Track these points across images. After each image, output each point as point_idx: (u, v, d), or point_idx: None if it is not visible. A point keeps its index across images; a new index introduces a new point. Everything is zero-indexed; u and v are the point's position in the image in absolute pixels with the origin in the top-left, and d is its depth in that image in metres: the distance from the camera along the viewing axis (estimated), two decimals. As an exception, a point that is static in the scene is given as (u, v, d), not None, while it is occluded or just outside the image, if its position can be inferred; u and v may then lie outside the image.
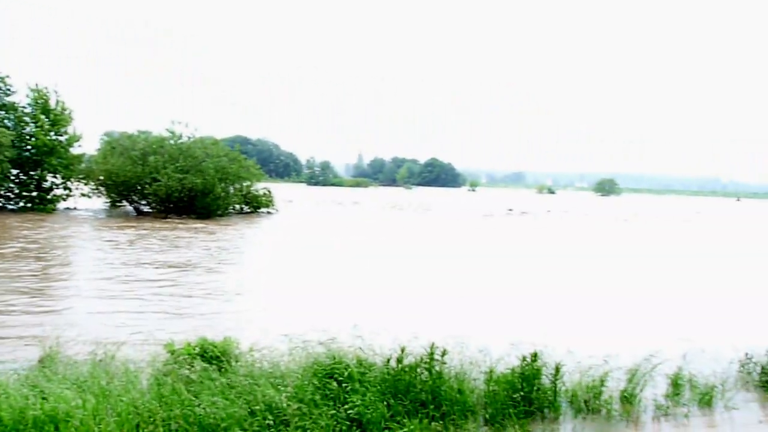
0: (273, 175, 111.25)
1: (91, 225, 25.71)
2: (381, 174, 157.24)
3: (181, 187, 29.91)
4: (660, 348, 7.61)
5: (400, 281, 14.44)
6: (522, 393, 6.05)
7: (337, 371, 5.77)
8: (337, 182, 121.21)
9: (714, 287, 15.80)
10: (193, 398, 5.17)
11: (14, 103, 31.13)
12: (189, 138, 33.56)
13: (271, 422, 4.99)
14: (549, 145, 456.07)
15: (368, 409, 5.37)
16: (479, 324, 9.97)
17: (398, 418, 5.40)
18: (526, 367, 6.21)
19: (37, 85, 31.14)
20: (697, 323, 11.01)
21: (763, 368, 7.54)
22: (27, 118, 30.75)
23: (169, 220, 27.86)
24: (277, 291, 13.15)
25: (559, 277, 16.26)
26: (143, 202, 31.71)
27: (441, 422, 5.49)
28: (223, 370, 5.96)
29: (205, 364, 6.01)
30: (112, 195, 31.86)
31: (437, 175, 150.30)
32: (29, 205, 30.01)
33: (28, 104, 31.10)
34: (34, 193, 30.55)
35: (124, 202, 32.29)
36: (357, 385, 5.60)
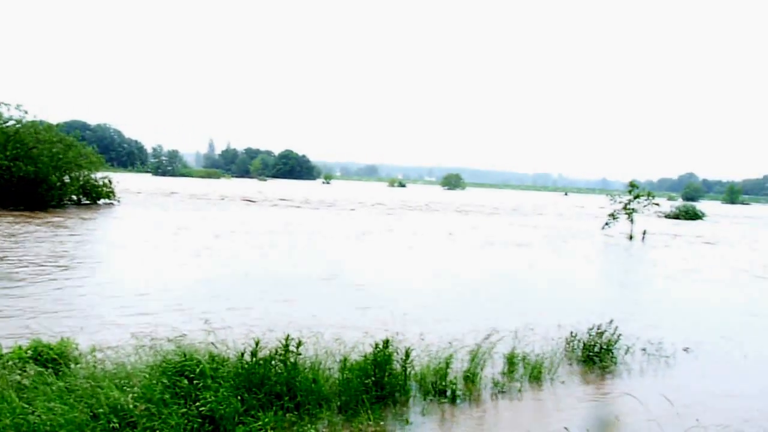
0: (115, 164, 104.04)
1: None
2: (234, 165, 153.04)
3: (10, 176, 27.04)
4: (499, 329, 8.31)
5: (249, 273, 14.21)
6: (374, 379, 6.28)
7: (188, 368, 5.61)
8: (186, 173, 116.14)
9: (536, 272, 17.37)
10: (26, 405, 4.77)
11: None
12: (18, 121, 30.27)
13: (117, 425, 4.74)
14: (402, 140, 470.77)
15: (221, 405, 5.28)
16: (335, 313, 10.17)
17: (252, 412, 5.38)
18: (379, 354, 6.44)
19: None
20: (528, 305, 12.05)
21: (584, 345, 8.45)
22: None
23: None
24: (120, 288, 12.36)
25: (403, 263, 16.99)
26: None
27: (296, 413, 5.54)
28: (60, 373, 5.55)
29: (40, 368, 5.55)
30: None
31: (292, 168, 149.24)
32: None
33: None
34: None
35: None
36: (209, 381, 5.49)
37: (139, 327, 8.11)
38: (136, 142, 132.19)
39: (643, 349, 8.99)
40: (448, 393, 6.59)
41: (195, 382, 5.47)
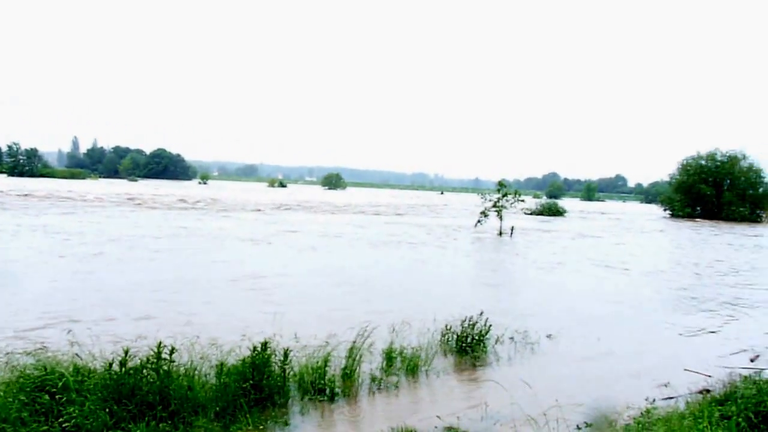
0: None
1: None
2: (101, 165, 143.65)
3: None
4: (377, 325, 8.52)
5: (115, 277, 13.47)
6: (252, 382, 6.22)
7: (50, 382, 5.25)
8: (47, 173, 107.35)
9: (413, 268, 17.96)
10: None
11: None
12: None
13: (-34, 450, 4.36)
14: (282, 139, 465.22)
15: (87, 419, 5.00)
16: (209, 318, 9.92)
17: (123, 424, 5.14)
18: (257, 356, 6.39)
19: None
20: (406, 300, 12.42)
21: (458, 336, 8.88)
22: None
23: None
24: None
25: (284, 262, 16.87)
26: None
27: (170, 422, 5.37)
28: None
29: None
30: None
31: (165, 167, 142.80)
32: None
33: None
34: None
35: None
36: (74, 395, 5.18)
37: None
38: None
39: (512, 338, 9.58)
40: (327, 391, 6.66)
41: (57, 396, 5.14)
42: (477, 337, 8.86)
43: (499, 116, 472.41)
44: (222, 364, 6.33)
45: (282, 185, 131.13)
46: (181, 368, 6.06)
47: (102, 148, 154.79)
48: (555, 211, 55.03)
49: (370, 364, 7.47)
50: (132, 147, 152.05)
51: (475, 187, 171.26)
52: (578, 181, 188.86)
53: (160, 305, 10.85)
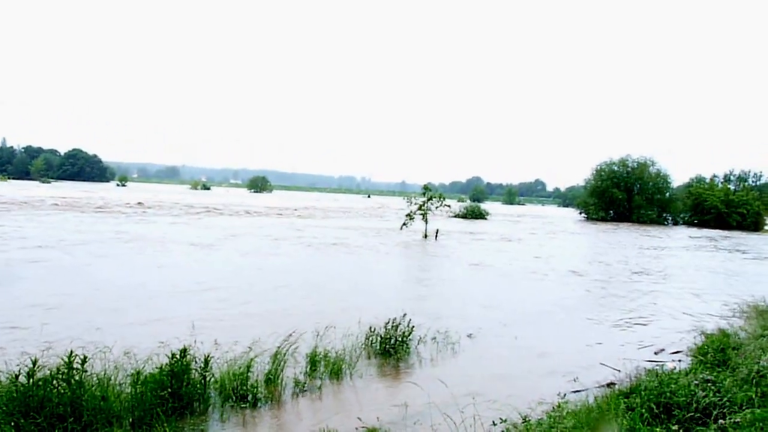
0: None
1: None
2: (10, 165, 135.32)
3: None
4: (303, 329, 8.51)
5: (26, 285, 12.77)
6: (170, 390, 6.07)
7: (-53, 398, 4.95)
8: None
9: (339, 271, 18.02)
10: None
11: None
12: None
13: None
14: (206, 141, 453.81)
15: (-10, 435, 4.75)
16: (125, 325, 9.57)
17: (30, 439, 4.91)
18: (175, 364, 6.24)
19: None
20: (332, 303, 12.41)
21: (381, 338, 8.98)
22: None
23: None
24: None
25: (209, 268, 16.51)
26: None
27: (82, 434, 5.17)
28: None
29: None
30: None
31: (81, 168, 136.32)
32: None
33: None
34: None
35: None
36: (-25, 410, 4.90)
37: None
38: None
39: (434, 339, 9.77)
40: (249, 397, 6.59)
41: (-44, 413, 4.85)
42: (400, 339, 8.99)
43: (427, 121, 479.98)
44: (138, 372, 6.14)
45: (206, 188, 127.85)
46: (95, 378, 5.85)
47: (12, 147, 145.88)
48: (478, 214, 56.52)
49: (294, 369, 7.44)
50: (45, 147, 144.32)
51: (401, 190, 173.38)
52: (500, 185, 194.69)
53: (72, 314, 10.38)
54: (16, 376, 5.41)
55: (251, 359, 6.91)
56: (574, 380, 7.93)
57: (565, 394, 7.04)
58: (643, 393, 6.22)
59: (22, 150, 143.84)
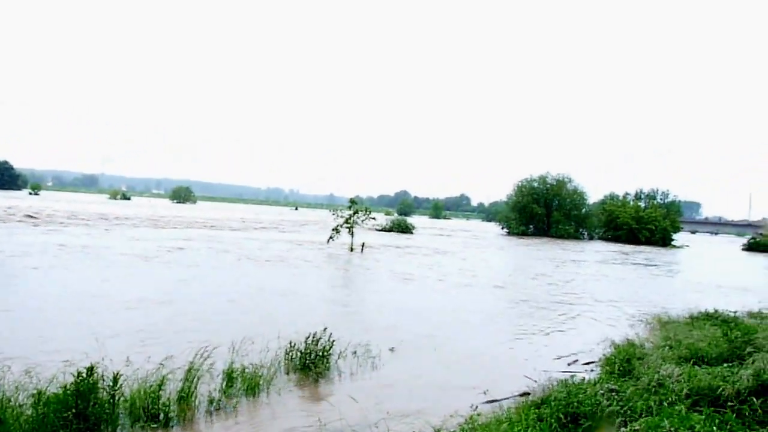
0: None
1: None
2: None
3: None
4: (220, 344, 8.31)
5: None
6: (75, 411, 5.77)
7: None
8: None
9: (260, 285, 17.74)
10: None
11: None
12: None
13: None
14: (126, 149, 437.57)
15: None
16: (25, 342, 9.05)
17: None
18: (81, 383, 5.95)
19: None
20: (251, 318, 12.20)
21: (301, 353, 8.89)
22: None
23: None
24: None
25: (127, 282, 15.85)
26: None
27: (-26, 460, 4.84)
28: None
29: None
30: None
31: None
32: None
33: None
34: None
35: None
36: None
37: None
38: None
39: (354, 353, 9.76)
40: (161, 416, 6.37)
41: None
42: (321, 354, 8.94)
43: (356, 134, 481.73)
44: (40, 392, 5.82)
45: (125, 198, 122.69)
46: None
47: None
48: (404, 228, 57.08)
49: (209, 385, 7.24)
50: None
51: (330, 203, 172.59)
52: (427, 200, 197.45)
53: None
54: None
55: (163, 376, 6.68)
56: (484, 393, 8.05)
57: (477, 407, 7.20)
58: (552, 403, 6.46)
59: None
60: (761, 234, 72.86)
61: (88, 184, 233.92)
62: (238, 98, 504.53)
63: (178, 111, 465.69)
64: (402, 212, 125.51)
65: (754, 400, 6.21)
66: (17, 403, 5.79)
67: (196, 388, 6.90)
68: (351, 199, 33.76)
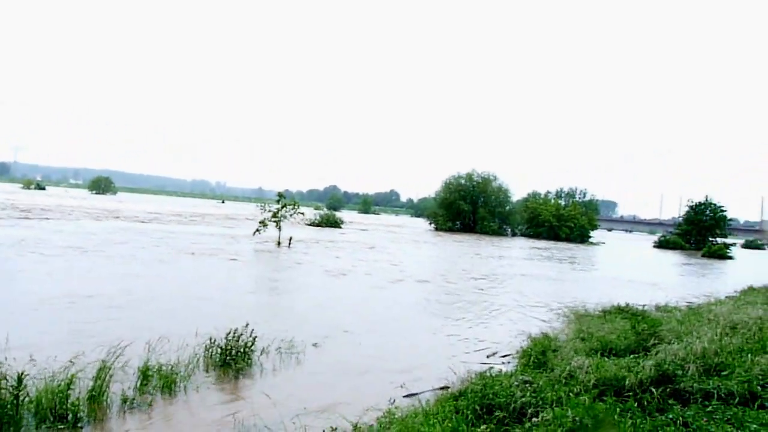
0: None
1: None
2: None
3: None
4: (135, 341, 8.04)
5: None
6: (-27, 413, 5.47)
7: None
8: None
9: (181, 280, 17.30)
10: None
11: None
12: None
13: None
14: (41, 136, 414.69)
15: None
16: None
17: None
18: (-20, 384, 5.63)
19: None
20: (170, 314, 11.88)
21: (221, 349, 8.73)
22: None
23: None
24: None
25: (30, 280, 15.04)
26: None
27: None
28: None
29: None
30: None
31: None
32: None
33: None
34: None
35: None
36: None
37: None
38: None
39: (278, 349, 9.68)
40: (70, 417, 6.10)
41: None
42: (242, 350, 8.81)
43: (285, 127, 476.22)
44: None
45: (40, 187, 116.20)
46: None
47: None
48: (333, 222, 56.99)
49: (123, 384, 7.00)
50: None
51: (258, 196, 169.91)
52: (357, 195, 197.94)
53: None
54: None
55: (72, 375, 6.40)
56: (401, 386, 8.10)
57: (395, 400, 7.30)
58: (469, 395, 6.65)
59: None
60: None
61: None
62: (164, 86, 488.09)
63: (100, 98, 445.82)
64: (331, 207, 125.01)
65: (653, 390, 6.61)
66: None
67: (108, 386, 6.65)
68: (279, 192, 33.39)
